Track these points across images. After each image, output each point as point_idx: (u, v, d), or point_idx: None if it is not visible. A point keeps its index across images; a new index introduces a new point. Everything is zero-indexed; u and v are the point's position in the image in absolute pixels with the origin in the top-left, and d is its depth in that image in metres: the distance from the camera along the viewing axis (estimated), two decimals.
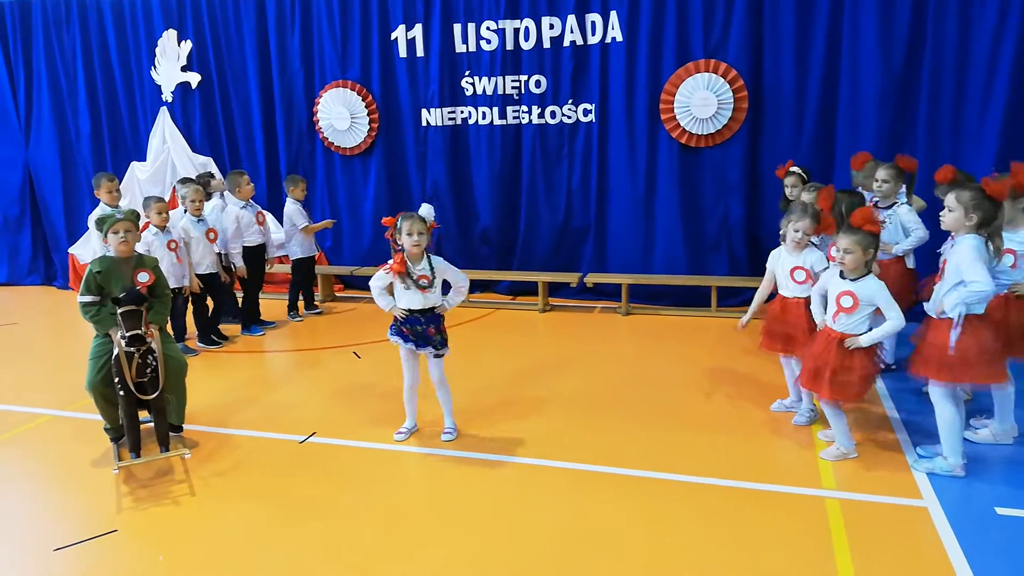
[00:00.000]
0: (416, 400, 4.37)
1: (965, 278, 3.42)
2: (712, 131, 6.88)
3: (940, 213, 3.62)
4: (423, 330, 4.10)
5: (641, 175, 7.22)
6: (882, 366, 4.93)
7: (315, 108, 8.06)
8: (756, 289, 6.82)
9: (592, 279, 7.30)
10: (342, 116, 7.89)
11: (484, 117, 7.59)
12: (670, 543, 3.18)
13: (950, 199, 3.51)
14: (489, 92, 7.53)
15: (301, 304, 7.35)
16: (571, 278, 7.34)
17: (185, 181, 6.50)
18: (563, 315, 7.23)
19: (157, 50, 8.46)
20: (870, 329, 3.68)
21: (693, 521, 3.35)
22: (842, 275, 3.73)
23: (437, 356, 4.17)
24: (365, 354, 6.00)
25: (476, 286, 7.90)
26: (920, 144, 6.25)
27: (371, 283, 4.19)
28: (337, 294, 8.23)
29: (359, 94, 7.85)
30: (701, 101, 6.79)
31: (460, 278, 4.21)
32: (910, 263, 4.91)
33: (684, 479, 3.75)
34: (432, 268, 4.08)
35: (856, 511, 3.38)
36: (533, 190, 7.61)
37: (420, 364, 4.28)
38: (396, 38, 7.70)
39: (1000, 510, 3.33)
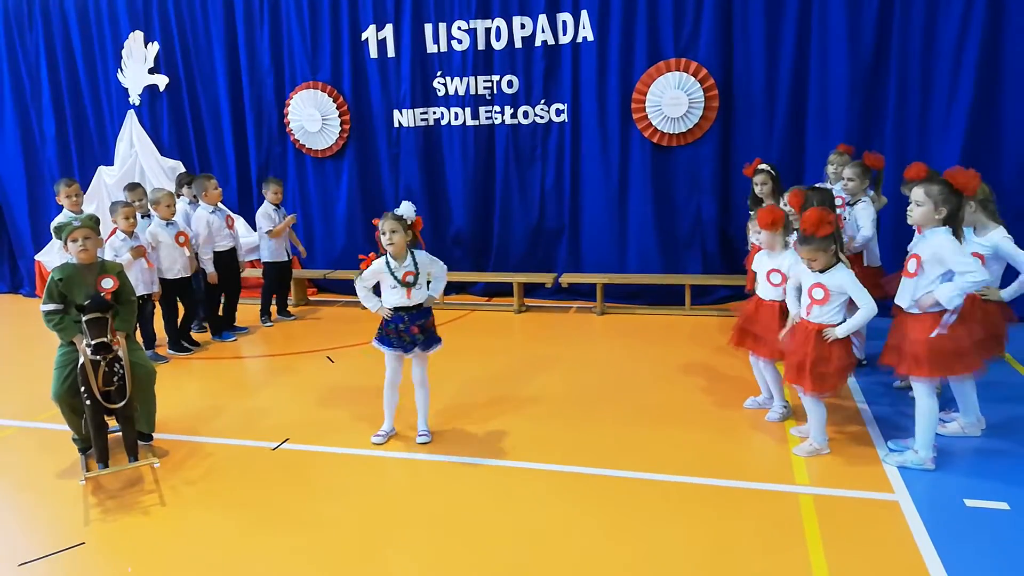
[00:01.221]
0: (396, 400, 4.32)
1: (957, 269, 3.43)
2: (684, 130, 6.91)
3: (908, 208, 3.66)
4: (406, 329, 4.07)
5: (614, 175, 7.23)
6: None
7: (286, 110, 7.98)
8: (729, 287, 6.91)
9: (567, 279, 7.30)
10: (313, 118, 7.82)
11: (456, 118, 7.56)
12: (646, 542, 3.19)
13: (918, 193, 3.53)
14: (461, 92, 7.50)
15: (274, 309, 7.27)
16: (546, 279, 7.34)
17: (133, 187, 6.40)
18: (538, 316, 7.23)
19: (123, 52, 8.32)
20: (844, 320, 3.72)
21: (669, 520, 3.36)
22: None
23: (424, 352, 4.14)
24: (339, 358, 5.95)
25: (451, 288, 7.86)
26: (888, 139, 6.33)
27: (356, 285, 4.17)
28: (311, 298, 8.16)
29: (330, 95, 7.78)
30: (672, 100, 6.83)
31: (439, 267, 4.26)
32: (867, 260, 4.97)
33: (660, 478, 3.75)
34: (416, 264, 4.07)
35: (829, 506, 3.41)
36: (507, 191, 7.60)
37: (405, 364, 4.25)
38: (367, 38, 7.65)
39: (969, 502, 3.37)
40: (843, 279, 3.70)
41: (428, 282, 4.20)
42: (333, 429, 4.54)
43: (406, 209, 4.06)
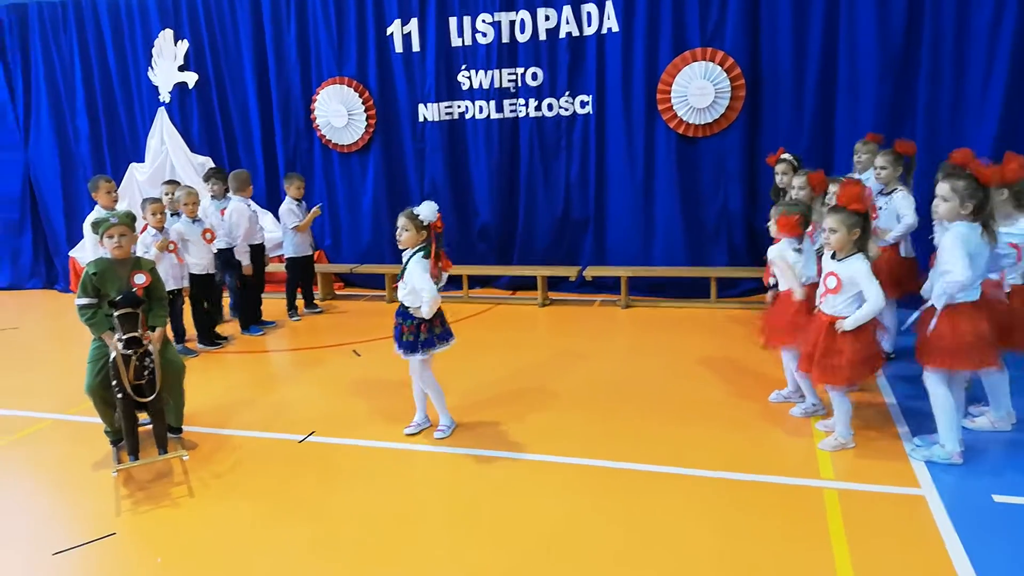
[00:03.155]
0: (424, 395, 4.36)
1: (944, 267, 3.41)
2: (710, 120, 6.84)
3: (933, 204, 3.56)
4: (397, 325, 4.10)
5: (639, 166, 7.19)
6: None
7: (312, 106, 8.06)
8: (755, 279, 6.83)
9: (591, 273, 7.28)
10: (339, 113, 7.89)
11: (481, 111, 7.57)
12: (668, 536, 3.18)
13: (944, 189, 3.46)
14: (486, 86, 7.50)
15: (301, 303, 7.36)
16: (570, 272, 7.33)
17: (170, 183, 6.53)
18: (563, 309, 7.22)
19: (154, 50, 8.47)
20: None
21: (692, 514, 3.35)
22: (833, 256, 3.73)
23: (403, 354, 4.13)
24: (365, 352, 6.01)
25: (475, 282, 7.90)
26: (920, 126, 6.21)
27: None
28: (337, 292, 8.24)
29: (356, 91, 7.84)
30: (698, 90, 6.76)
31: (420, 285, 3.95)
32: (903, 251, 4.87)
33: (683, 472, 3.73)
34: (405, 270, 4.04)
35: (854, 501, 3.36)
36: (531, 184, 7.59)
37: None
38: (392, 33, 7.68)
39: (997, 497, 3.31)
40: (856, 270, 3.63)
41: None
42: (359, 422, 4.59)
43: (425, 209, 4.00)
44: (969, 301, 3.47)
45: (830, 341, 3.69)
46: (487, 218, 7.78)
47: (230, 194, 6.65)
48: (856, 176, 5.39)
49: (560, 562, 3.05)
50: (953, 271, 3.37)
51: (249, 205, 6.65)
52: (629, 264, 7.32)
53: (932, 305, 3.54)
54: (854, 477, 3.58)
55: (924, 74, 6.16)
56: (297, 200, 7.05)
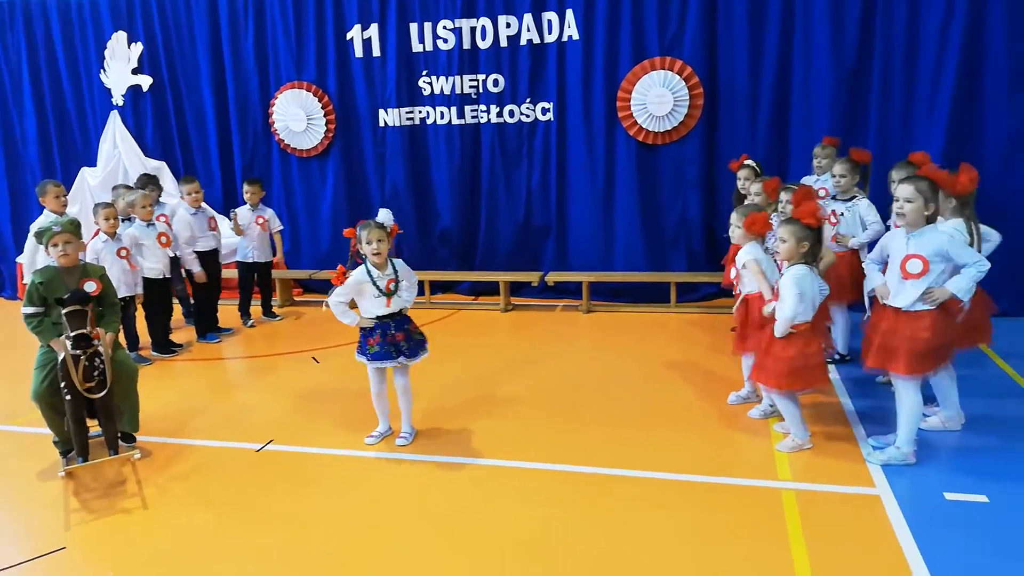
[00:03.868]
0: (387, 403, 4.32)
1: (968, 260, 3.44)
2: (669, 128, 6.93)
3: (894, 207, 3.57)
4: (392, 336, 4.05)
5: (600, 173, 7.24)
6: (832, 357, 5.06)
7: (270, 110, 7.95)
8: (715, 284, 6.93)
9: (553, 278, 7.31)
10: (298, 117, 7.80)
11: (442, 117, 7.55)
12: (631, 539, 3.19)
13: (906, 191, 3.48)
14: (447, 92, 7.49)
15: (258, 310, 7.24)
16: (532, 277, 7.34)
17: (126, 188, 6.39)
18: (525, 314, 7.23)
19: (106, 52, 8.26)
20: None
21: (654, 517, 3.37)
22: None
23: (408, 361, 4.11)
24: (324, 359, 5.92)
25: (437, 287, 7.87)
26: (872, 135, 6.36)
27: (330, 302, 4.05)
28: (297, 299, 8.12)
29: (315, 95, 7.76)
30: (657, 98, 6.84)
31: (414, 277, 4.24)
32: (864, 256, 4.98)
33: (645, 475, 3.76)
34: (396, 271, 4.06)
35: (811, 501, 3.42)
36: (493, 189, 7.59)
37: (388, 372, 4.24)
38: (352, 38, 7.63)
39: (949, 495, 3.40)
40: (785, 279, 3.73)
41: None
42: (317, 430, 4.52)
43: (386, 216, 4.03)
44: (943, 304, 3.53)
45: (769, 344, 3.80)
46: (449, 223, 7.76)
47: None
48: (815, 180, 5.51)
49: (523, 566, 3.04)
50: (980, 259, 3.44)
51: (194, 212, 6.50)
52: (591, 269, 7.36)
53: (925, 308, 3.53)
54: (811, 478, 3.64)
55: (876, 84, 6.33)
56: (252, 205, 6.93)
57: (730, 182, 6.44)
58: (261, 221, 6.95)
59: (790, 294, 3.67)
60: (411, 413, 4.31)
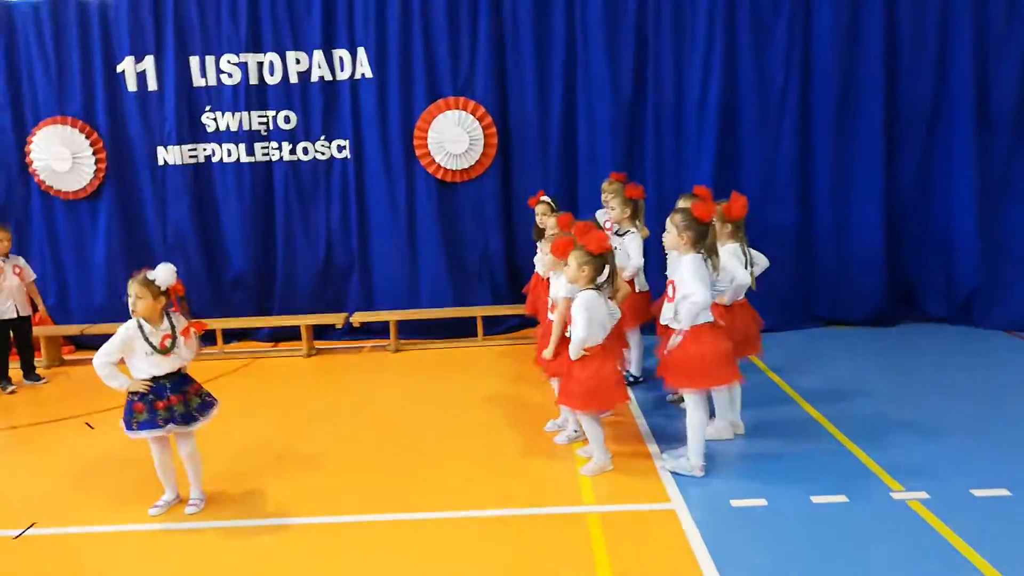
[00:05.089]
0: (173, 470, 3.93)
1: (684, 291, 3.78)
2: (466, 166, 7.06)
3: (662, 236, 3.99)
4: (167, 399, 3.68)
5: (402, 211, 7.21)
6: (628, 380, 5.35)
7: (27, 148, 7.09)
8: (518, 316, 7.11)
9: (358, 318, 7.11)
10: (62, 156, 7.02)
11: (230, 154, 7.15)
12: None
13: (667, 222, 3.90)
14: (234, 128, 7.11)
15: (19, 373, 6.35)
16: (336, 319, 7.10)
17: None
18: (330, 358, 6.96)
19: None
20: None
21: (466, 556, 3.32)
22: None
23: (189, 426, 3.76)
24: (100, 423, 5.29)
25: (231, 335, 7.35)
26: (648, 171, 6.90)
27: (96, 363, 3.67)
28: (66, 357, 7.23)
29: (82, 131, 7.04)
30: (453, 138, 6.95)
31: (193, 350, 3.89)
32: (638, 286, 5.32)
33: (457, 515, 3.72)
34: (174, 326, 3.73)
35: (613, 523, 3.55)
36: (289, 230, 7.28)
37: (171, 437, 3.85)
38: (123, 71, 7.03)
39: (734, 502, 3.68)
40: (573, 305, 3.92)
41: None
42: (92, 505, 4.01)
43: (162, 273, 3.67)
44: (708, 323, 3.85)
45: (569, 367, 3.97)
46: (242, 267, 7.32)
47: None
48: (604, 213, 5.85)
49: None
50: (693, 293, 3.72)
51: None
52: (397, 308, 7.26)
53: (673, 328, 3.87)
54: (612, 499, 3.80)
55: (650, 125, 6.88)
56: (3, 255, 6.10)
57: (528, 216, 6.67)
58: (18, 271, 6.14)
59: (581, 318, 3.84)
60: (200, 477, 3.94)
